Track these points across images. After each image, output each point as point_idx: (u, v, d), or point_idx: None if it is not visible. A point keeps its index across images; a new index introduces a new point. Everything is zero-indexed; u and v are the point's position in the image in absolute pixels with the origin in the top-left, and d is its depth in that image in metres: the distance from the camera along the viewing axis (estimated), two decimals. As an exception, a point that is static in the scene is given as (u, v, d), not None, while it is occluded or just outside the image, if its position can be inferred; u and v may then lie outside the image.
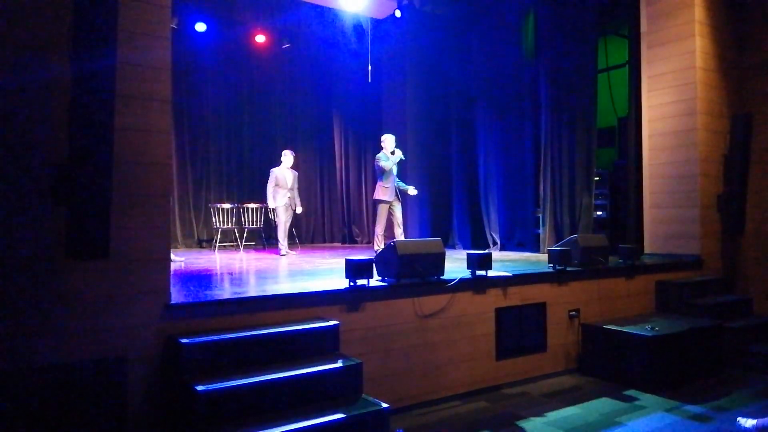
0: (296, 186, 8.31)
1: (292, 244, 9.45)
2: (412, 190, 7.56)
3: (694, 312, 5.58)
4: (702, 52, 6.39)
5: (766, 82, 6.69)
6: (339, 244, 10.86)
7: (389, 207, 7.31)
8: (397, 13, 9.07)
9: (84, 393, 3.04)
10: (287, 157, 8.25)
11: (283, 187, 8.08)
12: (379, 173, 7.32)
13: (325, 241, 11.21)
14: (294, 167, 8.35)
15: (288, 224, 8.19)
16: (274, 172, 8.18)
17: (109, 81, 2.74)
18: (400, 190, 7.46)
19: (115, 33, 2.76)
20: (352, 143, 11.37)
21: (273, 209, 8.32)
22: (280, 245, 8.02)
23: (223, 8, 9.63)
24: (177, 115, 9.27)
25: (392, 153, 7.33)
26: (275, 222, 8.29)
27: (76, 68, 2.69)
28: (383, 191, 7.26)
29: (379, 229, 7.29)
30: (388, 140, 7.44)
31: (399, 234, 7.33)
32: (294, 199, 8.22)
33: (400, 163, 7.42)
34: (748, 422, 3.67)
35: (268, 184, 8.14)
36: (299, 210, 8.36)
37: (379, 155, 7.36)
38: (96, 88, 2.69)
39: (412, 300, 4.23)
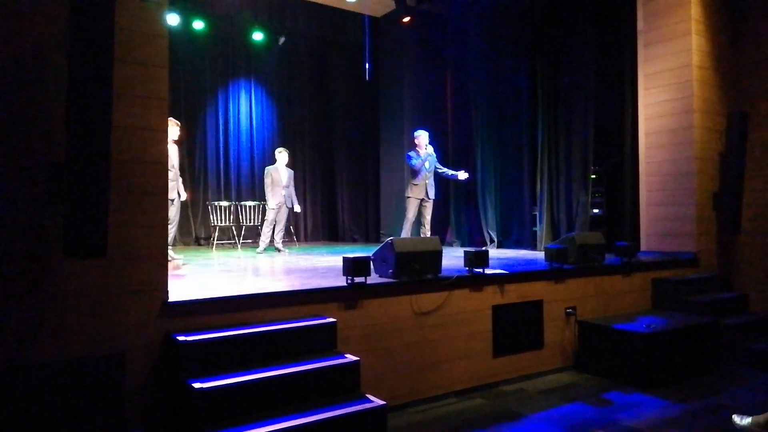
0: (292, 184, 8.24)
1: (290, 241, 9.47)
2: (462, 174, 7.40)
3: (690, 309, 5.60)
4: (698, 50, 6.41)
5: (762, 80, 6.71)
6: (338, 243, 10.86)
7: (419, 204, 7.20)
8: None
9: (82, 390, 3.04)
10: (282, 154, 8.19)
11: (277, 185, 8.04)
12: (411, 171, 7.24)
13: (323, 240, 11.21)
14: (292, 165, 8.34)
15: (284, 222, 8.15)
16: (269, 170, 8.15)
17: (107, 79, 2.74)
18: (449, 176, 7.43)
19: (112, 31, 2.75)
20: (350, 141, 11.36)
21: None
22: (260, 240, 8.03)
23: (220, 5, 9.62)
24: (174, 112, 9.25)
25: (425, 149, 7.18)
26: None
27: (73, 66, 2.69)
28: (412, 189, 7.18)
29: (407, 226, 7.18)
30: (421, 137, 7.26)
31: (425, 233, 7.22)
32: (290, 197, 8.16)
33: (431, 159, 7.25)
34: (744, 419, 3.69)
35: (265, 184, 8.11)
36: (297, 209, 8.29)
37: (410, 153, 7.25)
38: (93, 86, 2.69)
39: (409, 297, 4.25)
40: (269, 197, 8.05)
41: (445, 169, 7.41)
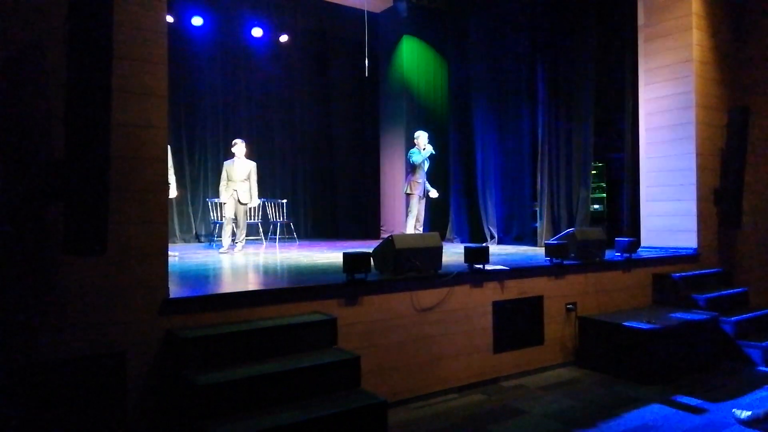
0: (253, 178, 7.54)
1: (290, 238, 9.46)
2: (433, 193, 7.82)
3: (690, 305, 5.60)
4: (699, 44, 6.38)
5: (763, 75, 6.69)
6: (338, 240, 10.86)
7: (419, 201, 7.63)
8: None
9: (84, 388, 3.05)
10: (237, 147, 7.52)
11: (231, 180, 7.43)
12: (411, 169, 7.63)
13: (323, 237, 11.20)
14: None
15: (242, 220, 7.45)
16: (225, 165, 7.55)
17: (106, 76, 2.73)
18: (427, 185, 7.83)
19: (111, 28, 2.75)
20: (350, 138, 11.35)
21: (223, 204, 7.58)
22: (222, 240, 7.35)
23: (220, 2, 9.60)
24: (174, 109, 9.25)
25: (424, 149, 7.61)
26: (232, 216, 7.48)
27: (72, 63, 2.68)
28: (415, 185, 7.59)
29: (411, 221, 7.58)
30: (421, 137, 7.67)
31: (418, 229, 7.61)
32: (245, 192, 7.39)
33: (430, 158, 7.71)
34: (744, 414, 3.70)
35: (221, 179, 7.55)
36: (254, 203, 7.60)
37: (412, 150, 7.66)
38: (92, 83, 2.68)
39: (409, 294, 4.24)
40: (221, 192, 7.47)
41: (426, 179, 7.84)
